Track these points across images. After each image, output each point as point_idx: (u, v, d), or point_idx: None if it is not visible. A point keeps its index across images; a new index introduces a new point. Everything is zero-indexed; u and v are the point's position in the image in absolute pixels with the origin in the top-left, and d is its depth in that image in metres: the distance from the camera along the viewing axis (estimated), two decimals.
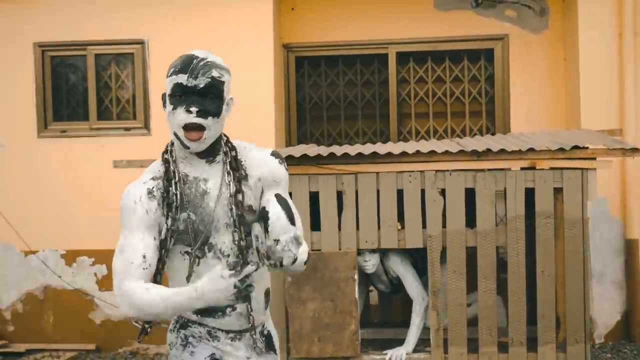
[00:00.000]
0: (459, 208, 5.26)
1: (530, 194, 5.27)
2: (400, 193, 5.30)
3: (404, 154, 5.25)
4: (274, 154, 2.87)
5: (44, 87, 7.79)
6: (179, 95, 2.66)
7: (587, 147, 5.22)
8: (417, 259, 5.64)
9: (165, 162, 2.77)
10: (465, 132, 7.88)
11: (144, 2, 7.63)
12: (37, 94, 7.75)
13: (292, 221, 2.70)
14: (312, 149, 5.68)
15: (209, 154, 2.78)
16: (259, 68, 7.44)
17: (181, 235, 2.72)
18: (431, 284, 5.28)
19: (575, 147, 5.19)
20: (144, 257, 2.63)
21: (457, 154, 5.25)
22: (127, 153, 6.75)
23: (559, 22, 7.72)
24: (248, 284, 2.46)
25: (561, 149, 5.20)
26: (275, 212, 2.70)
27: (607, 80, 7.23)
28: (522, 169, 5.33)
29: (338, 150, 5.39)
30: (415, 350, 5.38)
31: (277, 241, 2.66)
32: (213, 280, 2.46)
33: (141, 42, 7.63)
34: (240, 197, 2.73)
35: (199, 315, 2.83)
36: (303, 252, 2.75)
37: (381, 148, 5.51)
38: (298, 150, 5.42)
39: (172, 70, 2.71)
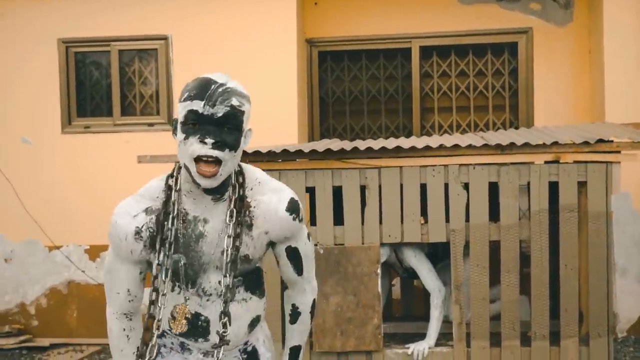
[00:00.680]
0: (483, 202, 5.24)
1: (554, 187, 5.24)
2: (423, 187, 5.28)
3: (427, 148, 5.24)
4: (290, 209, 2.59)
5: (68, 83, 7.85)
6: (193, 124, 2.37)
7: (612, 141, 5.17)
8: (439, 246, 5.63)
9: (168, 189, 2.54)
10: (489, 126, 7.85)
11: None
12: (61, 90, 7.80)
13: (299, 272, 2.75)
14: (335, 144, 5.68)
15: (216, 191, 2.51)
16: (282, 63, 7.45)
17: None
18: (454, 278, 5.27)
19: (600, 141, 5.15)
20: (128, 291, 2.64)
21: (481, 148, 5.22)
22: (151, 148, 6.79)
23: (584, 15, 7.66)
24: None
25: (586, 143, 5.16)
26: (283, 268, 2.76)
27: (632, 73, 7.17)
28: (546, 162, 5.29)
29: (361, 144, 5.38)
30: (437, 344, 5.37)
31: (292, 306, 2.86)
32: None
33: (165, 38, 7.65)
34: (237, 242, 2.52)
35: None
36: (309, 301, 2.87)
37: (404, 142, 5.50)
38: (321, 145, 5.42)
39: (186, 95, 2.40)
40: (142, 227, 2.52)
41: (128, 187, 7.42)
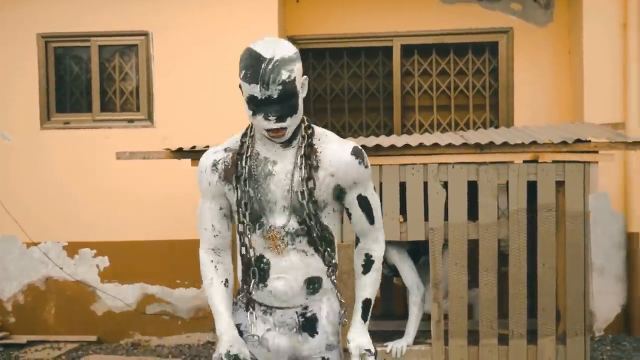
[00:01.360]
0: (462, 201, 5.26)
1: (532, 187, 5.27)
2: (402, 186, 5.30)
3: (407, 146, 5.25)
4: (355, 153, 2.78)
5: (47, 78, 7.78)
6: (256, 105, 2.66)
7: (590, 141, 5.21)
8: (420, 243, 5.65)
9: (244, 136, 2.86)
10: (469, 125, 7.87)
11: None
12: (40, 85, 7.74)
13: (371, 221, 2.90)
14: None
15: (286, 140, 2.78)
16: None
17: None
18: (433, 276, 5.29)
19: (578, 141, 5.19)
20: (213, 227, 2.89)
21: (460, 147, 5.25)
22: (130, 145, 6.74)
23: (564, 15, 7.70)
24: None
25: (564, 142, 5.19)
26: (355, 217, 2.90)
27: (611, 73, 7.21)
28: (524, 162, 5.32)
29: None
30: (415, 342, 5.39)
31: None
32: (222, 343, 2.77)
33: (145, 34, 7.62)
34: (311, 184, 2.74)
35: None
36: (381, 249, 3.04)
37: (384, 141, 5.51)
38: None
39: (242, 73, 2.65)
40: (218, 160, 2.85)
41: (107, 184, 7.46)
